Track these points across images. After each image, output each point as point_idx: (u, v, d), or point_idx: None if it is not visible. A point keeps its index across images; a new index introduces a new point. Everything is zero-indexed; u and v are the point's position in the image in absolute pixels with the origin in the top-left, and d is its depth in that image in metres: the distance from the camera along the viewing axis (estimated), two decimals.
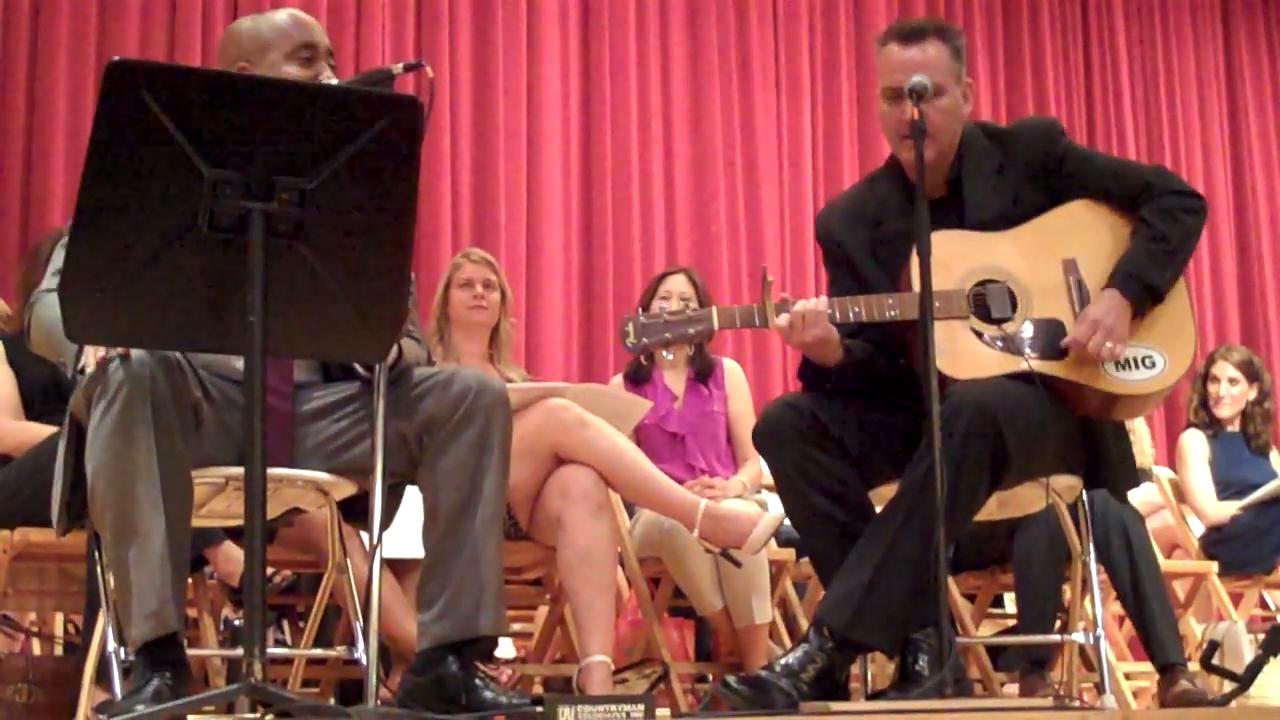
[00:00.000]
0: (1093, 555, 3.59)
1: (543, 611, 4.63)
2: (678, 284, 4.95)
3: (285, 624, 5.02)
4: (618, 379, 5.02)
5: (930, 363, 3.05)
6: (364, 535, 3.62)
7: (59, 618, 4.90)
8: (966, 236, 3.39)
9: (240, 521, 3.18)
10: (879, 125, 3.57)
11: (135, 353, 2.76)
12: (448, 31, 7.53)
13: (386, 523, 3.07)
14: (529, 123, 7.62)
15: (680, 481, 4.23)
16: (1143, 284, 3.32)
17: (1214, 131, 9.63)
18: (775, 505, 3.96)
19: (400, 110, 2.41)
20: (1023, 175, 3.44)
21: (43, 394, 4.17)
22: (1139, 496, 5.03)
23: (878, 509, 3.36)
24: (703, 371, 4.89)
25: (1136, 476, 3.68)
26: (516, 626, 5.34)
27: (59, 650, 4.81)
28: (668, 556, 4.30)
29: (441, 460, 3.03)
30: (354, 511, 3.23)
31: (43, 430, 3.98)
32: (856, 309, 3.28)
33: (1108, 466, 3.45)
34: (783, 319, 3.25)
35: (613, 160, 7.74)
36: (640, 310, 4.75)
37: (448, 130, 7.32)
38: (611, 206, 7.69)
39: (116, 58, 2.25)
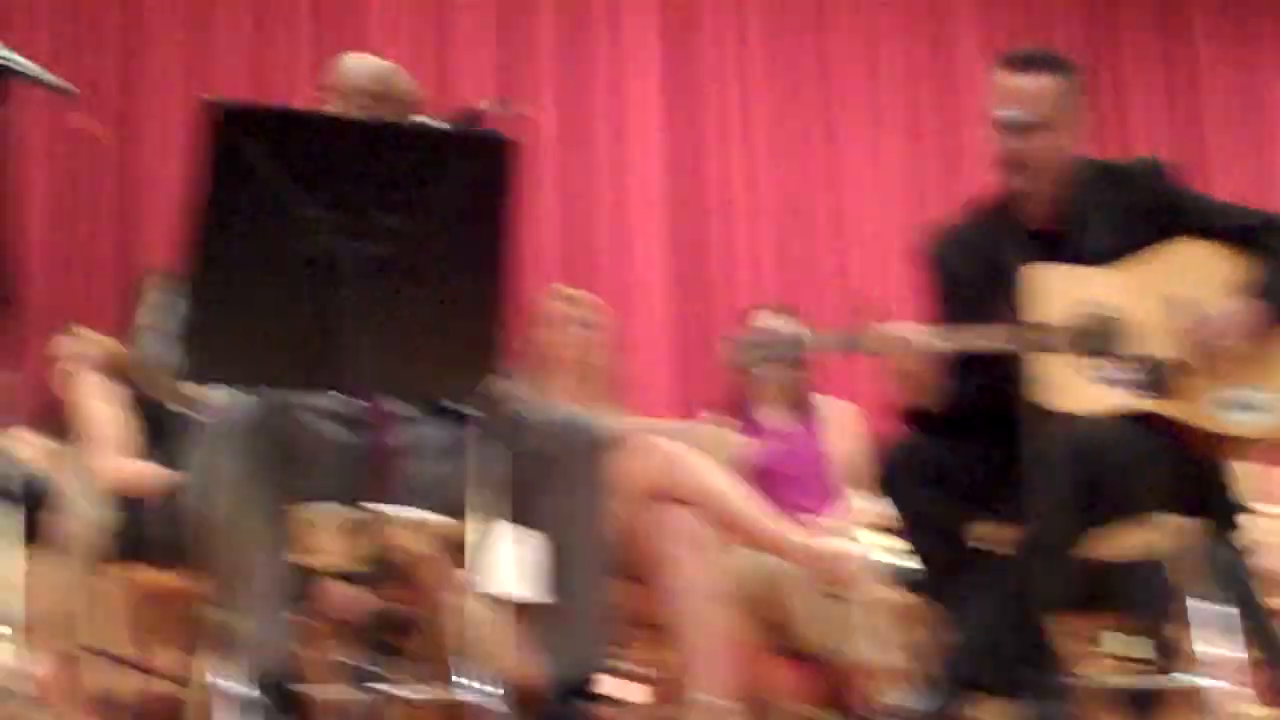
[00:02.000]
0: (1210, 595, 3.52)
1: (651, 651, 4.60)
2: (772, 319, 4.92)
3: (390, 662, 5.00)
4: (716, 415, 5.00)
5: (1032, 398, 3.02)
6: (468, 574, 3.61)
7: (180, 657, 4.93)
8: (1074, 271, 3.35)
9: (348, 560, 3.21)
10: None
11: (239, 392, 2.78)
12: (535, 67, 7.56)
13: (488, 562, 3.06)
14: (618, 157, 7.62)
15: None
16: None
17: None
18: (878, 543, 3.93)
19: (492, 148, 2.43)
20: (1133, 212, 3.40)
21: (152, 434, 4.20)
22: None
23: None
24: (802, 408, 4.85)
25: (1241, 514, 3.62)
26: (624, 665, 5.31)
27: (177, 689, 4.83)
28: (772, 595, 4.26)
29: (542, 500, 3.03)
30: (458, 550, 3.23)
31: (154, 469, 4.01)
32: (960, 338, 3.25)
33: (1215, 505, 3.40)
34: (879, 340, 3.22)
35: (704, 193, 7.72)
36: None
37: (537, 165, 7.33)
38: (706, 240, 7.67)
39: (216, 100, 2.27)
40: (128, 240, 6.81)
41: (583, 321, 4.71)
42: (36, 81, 2.73)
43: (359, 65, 3.24)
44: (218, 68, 7.01)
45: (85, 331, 4.98)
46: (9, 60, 2.68)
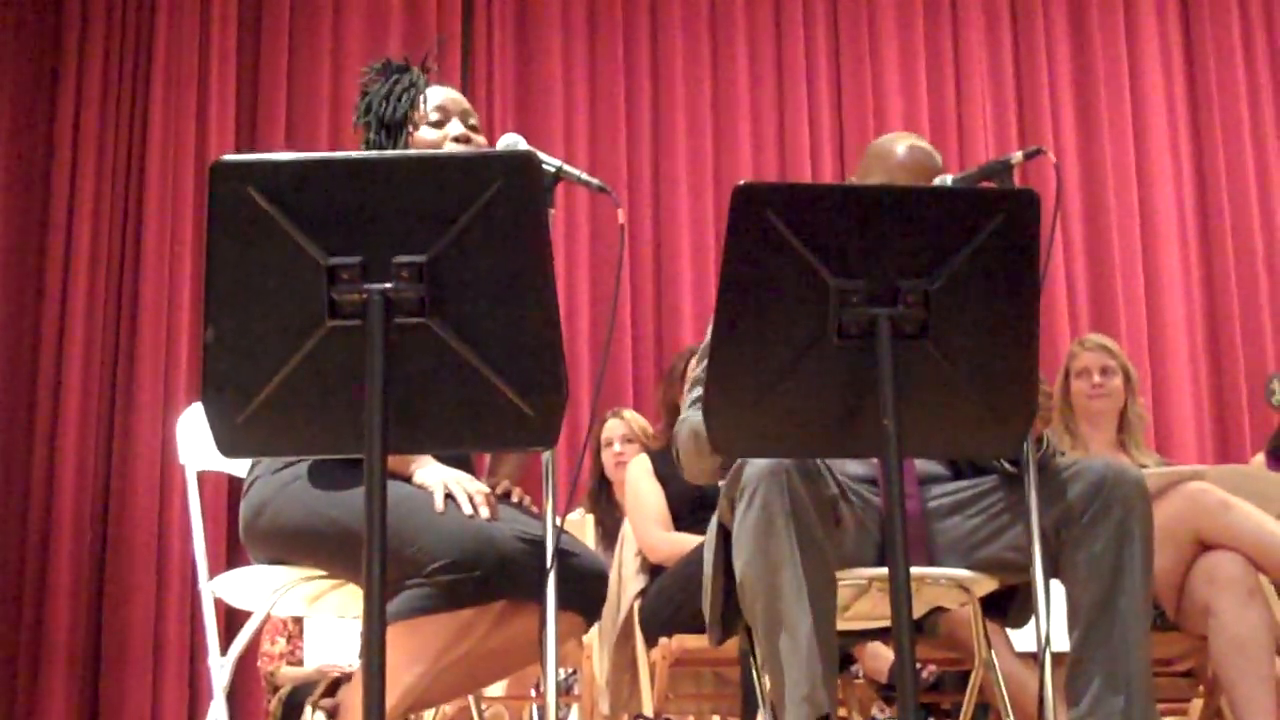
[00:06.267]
0: None
1: (1197, 705, 4.44)
2: None
3: None
4: (1259, 458, 4.79)
5: None
6: (1008, 630, 3.60)
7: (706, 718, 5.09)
8: None
9: (885, 622, 3.25)
10: None
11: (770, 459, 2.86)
12: (1049, 115, 7.51)
13: (1028, 616, 3.05)
14: (1141, 199, 7.46)
15: None
16: None
17: None
18: None
19: (1017, 205, 2.40)
20: None
21: (690, 506, 4.38)
22: None
23: None
24: None
25: None
26: None
27: None
28: None
29: (1081, 553, 2.99)
30: (996, 607, 3.23)
31: (691, 540, 4.17)
32: None
33: None
34: None
35: (1233, 230, 7.44)
36: None
37: (1063, 213, 7.26)
38: (1235, 277, 7.39)
39: (742, 182, 2.34)
40: (665, 321, 7.14)
41: (1109, 369, 4.62)
42: (580, 183, 2.91)
43: (885, 142, 3.31)
44: (742, 155, 7.32)
45: (630, 414, 5.25)
46: (556, 166, 2.87)
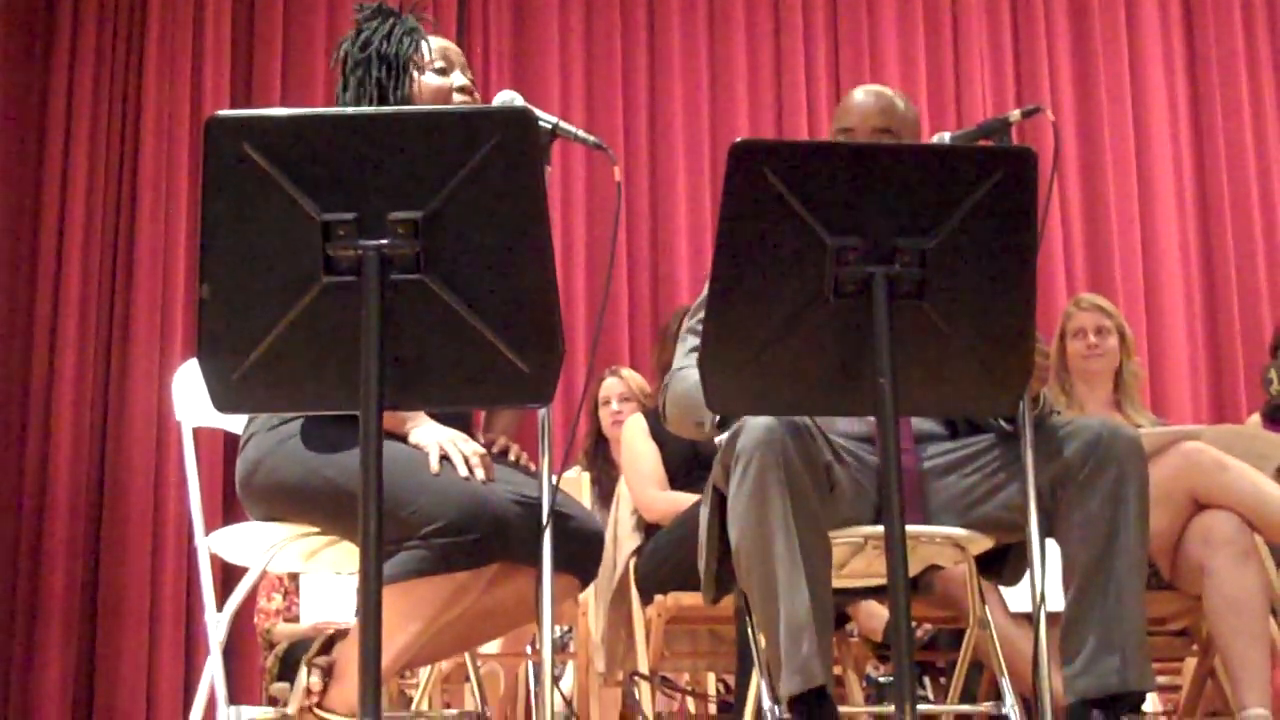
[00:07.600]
0: None
1: (1190, 663, 4.45)
2: None
3: (926, 680, 5.05)
4: (1255, 418, 4.79)
5: None
6: (1002, 589, 3.61)
7: (710, 677, 5.11)
8: None
9: (880, 580, 3.26)
10: None
11: (766, 419, 2.86)
12: (1048, 74, 7.48)
13: (1023, 575, 3.05)
14: (1138, 160, 7.44)
15: None
16: None
17: None
18: None
19: (1015, 163, 2.38)
20: None
21: (686, 465, 4.39)
22: None
23: None
24: None
25: None
26: (1162, 679, 5.16)
27: (713, 709, 5.01)
28: None
29: (1076, 511, 2.98)
30: (990, 565, 3.23)
31: (686, 499, 4.18)
32: None
33: None
34: None
35: (1231, 194, 7.43)
36: (1275, 351, 4.54)
37: (1055, 172, 7.23)
38: (1233, 240, 7.38)
39: (739, 139, 2.33)
40: (661, 281, 7.13)
41: (1105, 330, 4.61)
42: (576, 140, 2.89)
43: (862, 96, 3.29)
44: (739, 113, 7.29)
45: (628, 373, 5.25)
46: (553, 123, 2.85)
